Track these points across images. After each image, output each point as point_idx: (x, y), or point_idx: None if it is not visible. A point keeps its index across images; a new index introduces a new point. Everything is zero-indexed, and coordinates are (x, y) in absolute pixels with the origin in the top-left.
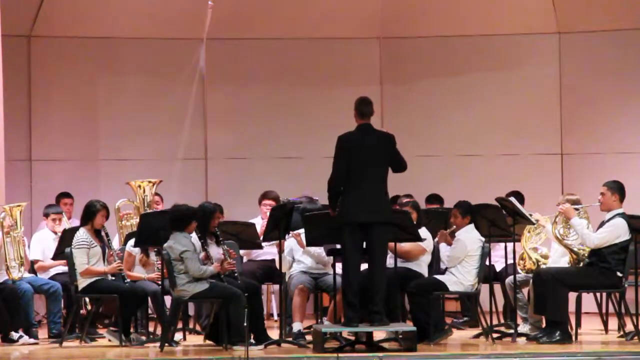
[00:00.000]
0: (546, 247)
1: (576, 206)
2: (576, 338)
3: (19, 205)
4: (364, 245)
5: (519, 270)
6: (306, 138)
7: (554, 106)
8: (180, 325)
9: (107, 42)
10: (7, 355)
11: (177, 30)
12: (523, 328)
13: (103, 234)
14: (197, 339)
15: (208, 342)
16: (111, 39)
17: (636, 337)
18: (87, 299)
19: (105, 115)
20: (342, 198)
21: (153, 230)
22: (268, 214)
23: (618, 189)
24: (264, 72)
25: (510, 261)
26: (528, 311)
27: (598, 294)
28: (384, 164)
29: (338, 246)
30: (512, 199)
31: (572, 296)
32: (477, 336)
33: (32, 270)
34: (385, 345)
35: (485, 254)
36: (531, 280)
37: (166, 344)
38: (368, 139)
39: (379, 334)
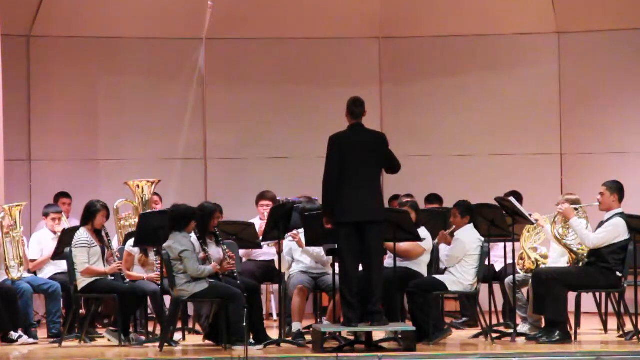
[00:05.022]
0: (545, 247)
1: (575, 206)
2: (575, 338)
3: (18, 205)
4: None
5: (519, 270)
6: (306, 138)
7: (553, 106)
8: (179, 325)
9: (106, 42)
10: (6, 355)
11: (177, 30)
12: (522, 328)
13: (103, 234)
14: (196, 339)
15: (207, 342)
16: (111, 39)
17: (635, 337)
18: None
19: (105, 115)
20: (336, 198)
21: (152, 230)
22: (266, 214)
23: (617, 189)
24: (263, 72)
25: (509, 261)
26: (527, 311)
27: (597, 294)
28: (376, 163)
29: (337, 246)
30: (512, 198)
31: (571, 296)
32: (476, 336)
33: (31, 270)
34: (385, 345)
35: (485, 253)
36: (530, 280)
37: (165, 344)
38: (359, 138)
39: (378, 333)
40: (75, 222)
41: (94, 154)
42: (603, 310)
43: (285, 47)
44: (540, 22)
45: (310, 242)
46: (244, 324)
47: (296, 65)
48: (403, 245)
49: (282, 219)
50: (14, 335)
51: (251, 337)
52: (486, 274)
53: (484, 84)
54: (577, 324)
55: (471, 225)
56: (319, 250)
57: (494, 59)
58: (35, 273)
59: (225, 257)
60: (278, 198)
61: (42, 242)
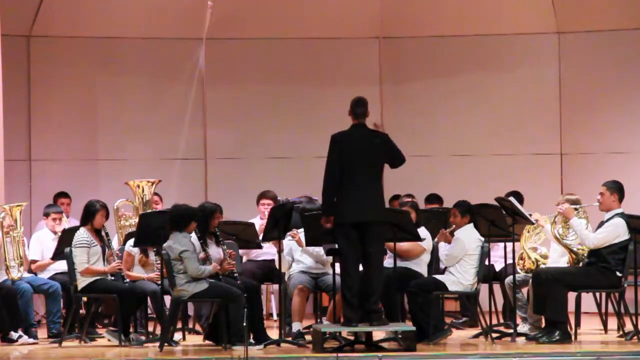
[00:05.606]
0: (545, 247)
1: (575, 206)
2: (575, 338)
3: (18, 205)
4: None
5: (519, 270)
6: (306, 138)
7: (553, 106)
8: (179, 325)
9: (106, 42)
10: (6, 355)
11: (177, 30)
12: (522, 328)
13: (103, 233)
14: (196, 339)
15: (207, 342)
16: (111, 39)
17: (635, 337)
18: (84, 299)
19: (105, 115)
20: (337, 198)
21: (152, 230)
22: (266, 213)
23: (617, 189)
24: (263, 72)
25: (509, 261)
26: (527, 311)
27: (597, 294)
28: (378, 163)
29: (337, 246)
30: (512, 198)
31: (571, 296)
32: (476, 336)
33: (31, 270)
34: (385, 345)
35: (485, 253)
36: (530, 280)
37: (165, 344)
38: (361, 138)
39: (378, 333)
40: (76, 222)
41: (94, 154)
42: (603, 310)
43: (285, 47)
44: (540, 22)
45: (310, 242)
46: (244, 324)
47: (296, 65)
48: (403, 245)
49: (282, 219)
50: (14, 335)
51: (251, 337)
52: (486, 274)
53: (484, 84)
54: (577, 324)
55: (471, 225)
56: (319, 250)
57: (494, 59)
58: (35, 273)
59: (226, 257)
60: (278, 198)
61: (43, 242)
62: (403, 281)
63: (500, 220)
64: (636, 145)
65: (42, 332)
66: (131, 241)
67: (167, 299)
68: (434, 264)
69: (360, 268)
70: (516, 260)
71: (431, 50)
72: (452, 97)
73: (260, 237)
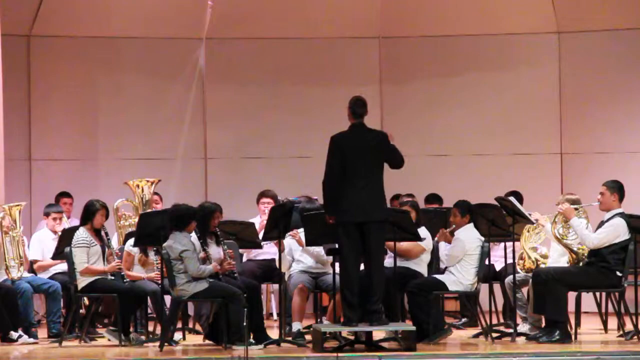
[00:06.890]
0: (545, 246)
1: (575, 206)
2: (575, 337)
3: (18, 205)
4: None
5: (519, 270)
6: (306, 138)
7: (553, 106)
8: (179, 325)
9: (106, 42)
10: (6, 355)
11: (177, 30)
12: (522, 327)
13: (103, 233)
14: (196, 339)
15: (207, 341)
16: (111, 39)
17: (635, 337)
18: (85, 298)
19: (105, 114)
20: (338, 198)
21: (152, 229)
22: (267, 212)
23: (617, 189)
24: (263, 72)
25: (509, 261)
26: (527, 311)
27: (597, 294)
28: (379, 163)
29: (337, 245)
30: (512, 198)
31: (571, 296)
32: (476, 336)
33: (32, 270)
34: (385, 344)
35: (485, 253)
36: (530, 280)
37: (165, 344)
38: (361, 138)
39: (378, 333)
40: (77, 222)
41: (94, 153)
42: (603, 310)
43: (285, 47)
44: (540, 22)
45: (310, 241)
46: (244, 324)
47: (296, 65)
48: (403, 245)
49: (282, 219)
50: (14, 335)
51: (251, 337)
52: (486, 274)
53: (484, 84)
54: (577, 324)
55: (471, 225)
56: (319, 250)
57: (494, 59)
58: (35, 273)
59: (226, 257)
60: (279, 198)
61: (43, 241)
62: (403, 281)
63: (500, 220)
64: (636, 145)
65: (42, 332)
66: (131, 241)
67: (167, 299)
68: (434, 264)
69: (362, 268)
70: (516, 260)
71: (431, 50)
72: (452, 97)
73: (261, 237)
